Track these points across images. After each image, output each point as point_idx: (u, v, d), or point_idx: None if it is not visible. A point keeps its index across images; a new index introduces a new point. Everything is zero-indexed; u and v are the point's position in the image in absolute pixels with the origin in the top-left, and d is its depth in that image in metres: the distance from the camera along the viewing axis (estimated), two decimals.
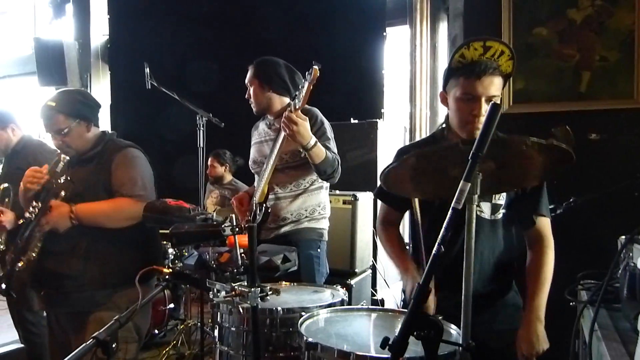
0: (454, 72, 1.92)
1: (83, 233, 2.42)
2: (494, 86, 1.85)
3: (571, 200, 2.72)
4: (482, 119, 1.84)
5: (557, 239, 2.02)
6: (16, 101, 7.74)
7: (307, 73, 2.34)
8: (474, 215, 1.37)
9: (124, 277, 2.26)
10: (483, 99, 1.84)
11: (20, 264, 2.47)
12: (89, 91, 6.55)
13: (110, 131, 2.70)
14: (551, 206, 2.15)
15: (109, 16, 6.65)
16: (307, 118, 2.45)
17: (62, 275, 2.42)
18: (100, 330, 1.51)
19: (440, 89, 2.06)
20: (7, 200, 3.17)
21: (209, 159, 5.33)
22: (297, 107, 2.39)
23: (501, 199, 1.99)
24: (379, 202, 2.29)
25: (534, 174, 1.64)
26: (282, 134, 2.50)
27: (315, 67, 2.29)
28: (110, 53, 6.74)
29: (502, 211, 1.99)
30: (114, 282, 2.44)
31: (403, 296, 2.22)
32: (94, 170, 2.51)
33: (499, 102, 1.89)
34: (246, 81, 2.89)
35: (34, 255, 2.46)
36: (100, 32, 6.80)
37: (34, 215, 2.46)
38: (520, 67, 3.38)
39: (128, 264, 2.35)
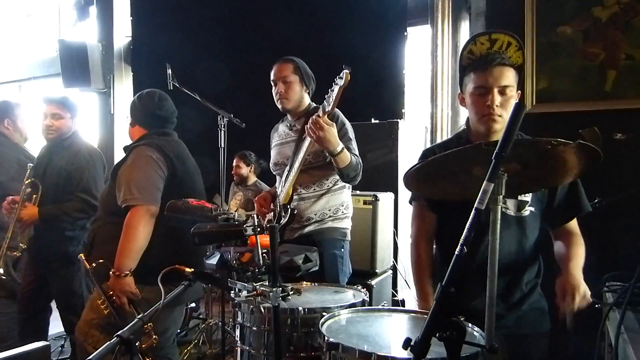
0: (466, 70, 1.95)
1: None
2: (505, 77, 1.86)
3: (596, 201, 2.68)
4: (498, 110, 1.84)
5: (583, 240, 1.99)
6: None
7: (337, 77, 2.30)
8: (499, 216, 1.35)
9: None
10: (495, 90, 1.85)
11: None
12: (111, 92, 6.65)
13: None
14: None
15: (131, 18, 6.71)
16: (334, 123, 2.43)
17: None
18: (124, 329, 1.53)
19: None
20: (35, 196, 3.20)
21: (235, 159, 5.36)
22: (327, 110, 2.37)
23: (527, 196, 1.96)
24: (412, 209, 2.20)
25: (561, 174, 1.62)
26: (307, 138, 2.49)
27: (346, 70, 2.26)
28: (133, 54, 6.80)
29: (528, 208, 1.96)
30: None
31: None
32: None
33: (513, 94, 1.89)
34: (280, 75, 2.80)
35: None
36: (123, 34, 6.86)
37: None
38: (544, 66, 3.35)
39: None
